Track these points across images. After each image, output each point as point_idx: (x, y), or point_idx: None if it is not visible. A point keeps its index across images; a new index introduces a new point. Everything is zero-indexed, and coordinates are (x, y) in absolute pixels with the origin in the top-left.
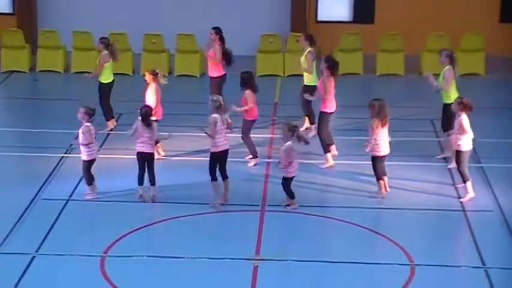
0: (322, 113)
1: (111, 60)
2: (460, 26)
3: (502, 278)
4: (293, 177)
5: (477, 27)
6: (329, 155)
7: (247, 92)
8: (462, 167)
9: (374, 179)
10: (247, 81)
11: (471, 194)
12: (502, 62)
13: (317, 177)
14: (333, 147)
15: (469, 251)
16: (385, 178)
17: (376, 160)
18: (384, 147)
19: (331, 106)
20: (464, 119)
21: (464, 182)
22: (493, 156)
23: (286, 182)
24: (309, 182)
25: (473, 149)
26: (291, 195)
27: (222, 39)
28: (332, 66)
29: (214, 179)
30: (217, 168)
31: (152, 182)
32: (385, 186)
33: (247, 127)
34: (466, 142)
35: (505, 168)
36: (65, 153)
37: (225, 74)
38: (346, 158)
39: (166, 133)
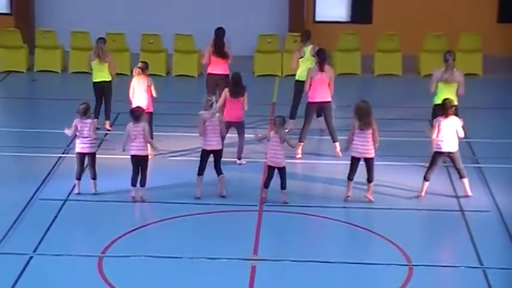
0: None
1: (96, 59)
2: (457, 26)
3: (499, 278)
4: (268, 166)
5: (475, 27)
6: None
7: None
8: (430, 166)
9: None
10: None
11: (423, 194)
12: (499, 62)
13: (315, 177)
14: (300, 144)
15: (467, 251)
16: (371, 185)
17: (351, 159)
18: (359, 149)
19: (312, 96)
20: (442, 122)
21: (425, 179)
22: (490, 157)
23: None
24: (307, 182)
25: (471, 149)
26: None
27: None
28: (318, 58)
29: (198, 173)
30: (213, 165)
31: (142, 183)
32: (368, 192)
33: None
34: (439, 144)
35: (503, 169)
36: (63, 153)
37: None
38: (344, 158)
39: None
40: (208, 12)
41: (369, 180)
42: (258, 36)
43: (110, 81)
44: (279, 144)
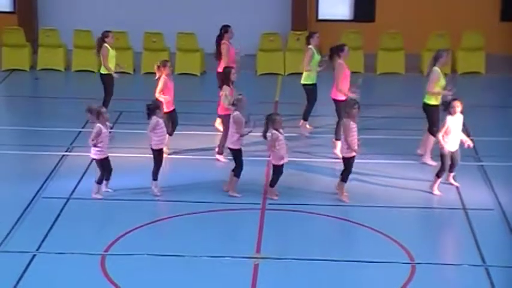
0: None
1: None
2: (460, 24)
3: (502, 276)
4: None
5: (478, 26)
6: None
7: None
8: (443, 164)
9: (373, 179)
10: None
11: (436, 190)
12: (502, 61)
13: (318, 176)
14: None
15: (470, 249)
16: (341, 184)
17: None
18: None
19: None
20: (448, 120)
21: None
22: (493, 155)
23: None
24: (310, 180)
25: (474, 148)
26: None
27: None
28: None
29: (238, 175)
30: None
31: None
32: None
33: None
34: (446, 141)
35: (506, 167)
36: (66, 152)
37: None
38: None
39: None
40: (211, 10)
41: (340, 178)
42: (261, 34)
43: (104, 75)
44: (270, 141)
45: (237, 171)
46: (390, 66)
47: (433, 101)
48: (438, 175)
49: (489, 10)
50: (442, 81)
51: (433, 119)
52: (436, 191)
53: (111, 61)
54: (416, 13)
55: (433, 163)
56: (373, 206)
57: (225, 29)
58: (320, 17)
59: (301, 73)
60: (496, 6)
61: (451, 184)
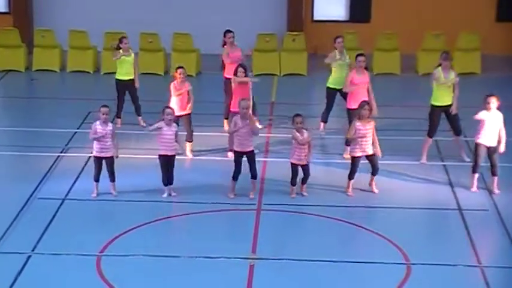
0: None
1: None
2: (456, 25)
3: (497, 277)
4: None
5: (473, 27)
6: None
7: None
8: (475, 158)
9: (368, 180)
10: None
11: (474, 187)
12: (498, 61)
13: (315, 176)
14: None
15: (465, 250)
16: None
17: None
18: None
19: None
20: (481, 114)
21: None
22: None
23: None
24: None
25: (469, 148)
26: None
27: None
28: None
29: (232, 177)
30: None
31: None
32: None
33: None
34: (482, 136)
35: (501, 167)
36: (61, 152)
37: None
38: (343, 158)
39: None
40: (207, 11)
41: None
42: (257, 35)
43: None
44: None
45: (233, 173)
46: (386, 66)
47: (433, 101)
48: (473, 171)
49: (485, 10)
50: (441, 80)
51: (429, 119)
52: (473, 188)
53: (123, 66)
54: (412, 14)
55: (426, 163)
56: (368, 206)
57: (223, 34)
58: (316, 18)
59: (298, 74)
60: (491, 6)
61: (493, 192)
